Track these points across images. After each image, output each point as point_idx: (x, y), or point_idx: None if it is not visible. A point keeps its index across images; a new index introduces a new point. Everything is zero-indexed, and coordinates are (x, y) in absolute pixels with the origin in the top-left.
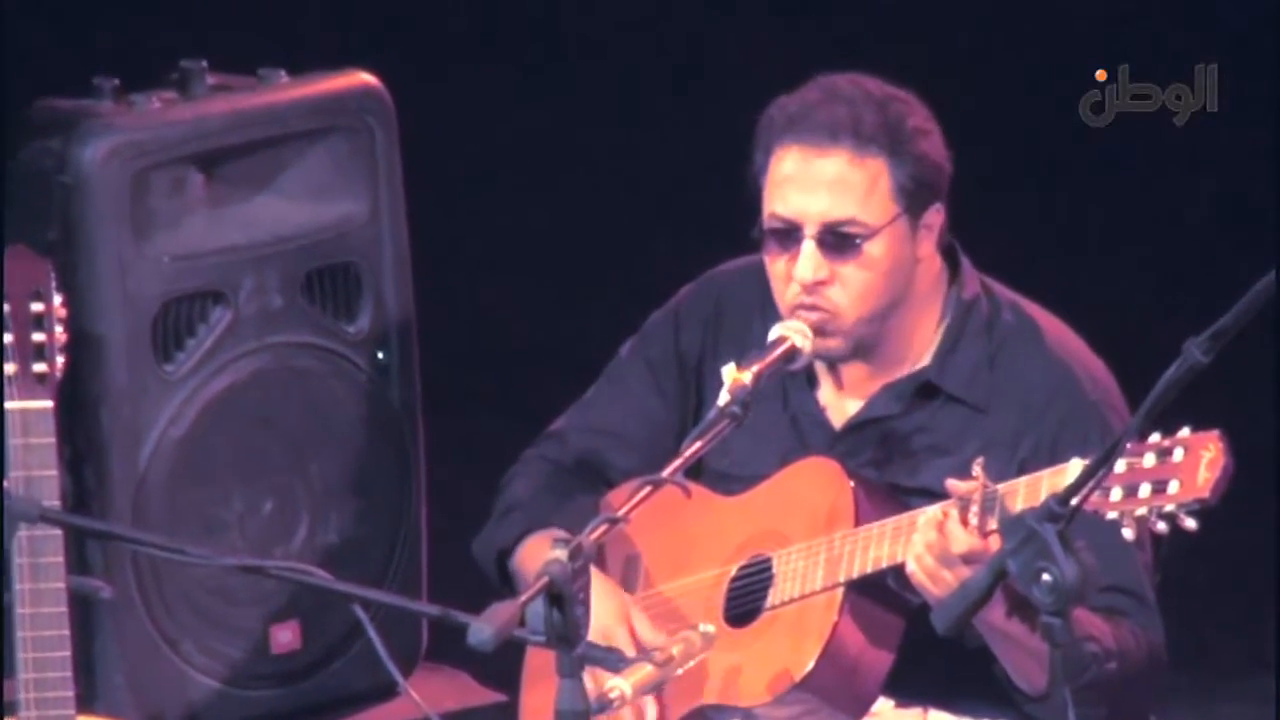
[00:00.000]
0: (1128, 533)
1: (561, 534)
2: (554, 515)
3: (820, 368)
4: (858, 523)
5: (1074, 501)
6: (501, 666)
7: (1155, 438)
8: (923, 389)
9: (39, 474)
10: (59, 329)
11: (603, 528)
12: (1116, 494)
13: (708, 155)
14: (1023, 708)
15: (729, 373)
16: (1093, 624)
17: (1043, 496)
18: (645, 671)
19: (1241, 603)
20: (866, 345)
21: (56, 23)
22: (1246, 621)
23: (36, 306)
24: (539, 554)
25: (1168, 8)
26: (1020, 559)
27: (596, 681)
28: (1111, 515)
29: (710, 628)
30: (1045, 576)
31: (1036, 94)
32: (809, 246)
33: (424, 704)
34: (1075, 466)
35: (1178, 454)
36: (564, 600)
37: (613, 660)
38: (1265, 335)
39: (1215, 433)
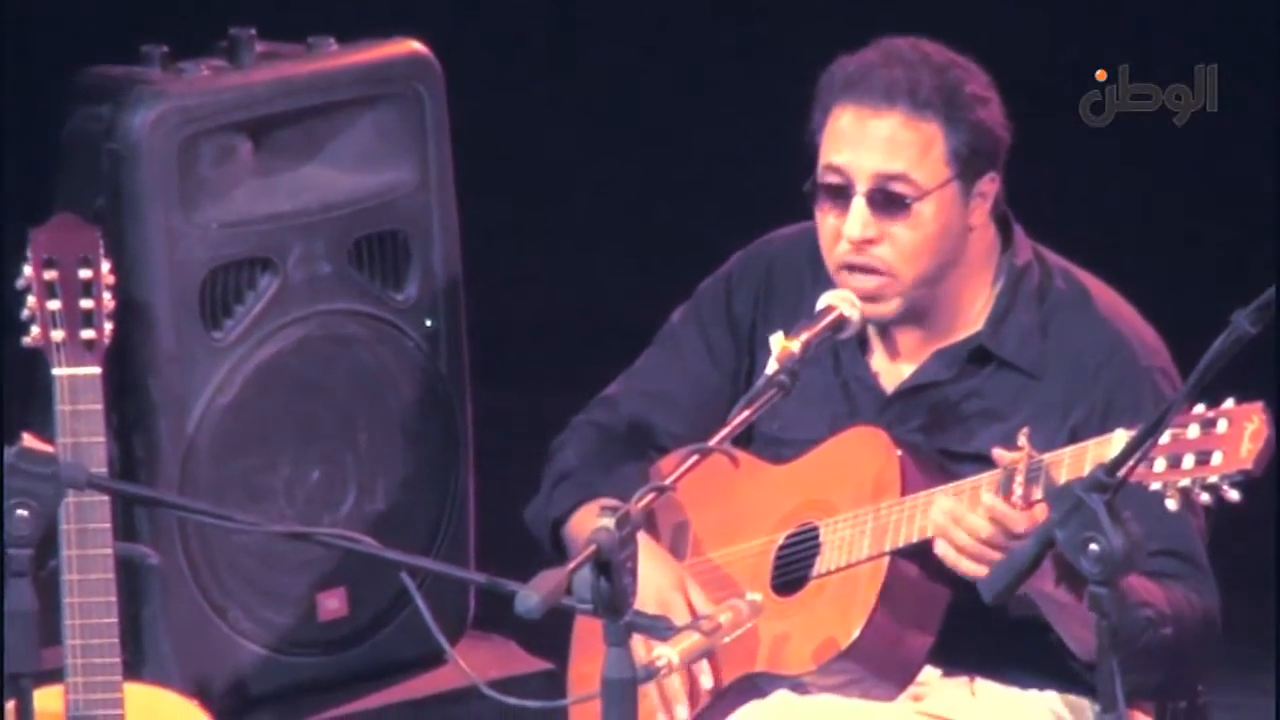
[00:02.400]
0: (1171, 503)
1: (610, 502)
2: (605, 483)
3: (873, 333)
4: (904, 492)
5: (1121, 472)
6: (549, 635)
7: (1199, 409)
8: (975, 354)
9: (87, 440)
10: (107, 296)
11: (650, 496)
12: (1160, 465)
13: (758, 126)
14: (1081, 675)
15: (777, 341)
16: (1146, 589)
17: (1088, 466)
18: (693, 640)
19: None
20: (919, 310)
21: None
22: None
23: (84, 273)
24: (589, 522)
25: (1168, 8)
26: (1068, 529)
27: (645, 649)
28: (1155, 486)
29: (758, 596)
30: (1093, 547)
31: (1036, 94)
32: (859, 203)
33: (471, 672)
34: (1120, 437)
35: (1221, 425)
36: (611, 568)
37: (660, 628)
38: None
39: (1259, 404)
